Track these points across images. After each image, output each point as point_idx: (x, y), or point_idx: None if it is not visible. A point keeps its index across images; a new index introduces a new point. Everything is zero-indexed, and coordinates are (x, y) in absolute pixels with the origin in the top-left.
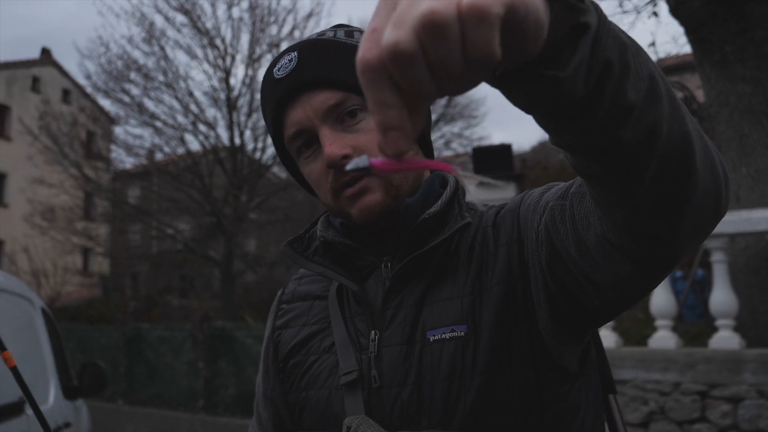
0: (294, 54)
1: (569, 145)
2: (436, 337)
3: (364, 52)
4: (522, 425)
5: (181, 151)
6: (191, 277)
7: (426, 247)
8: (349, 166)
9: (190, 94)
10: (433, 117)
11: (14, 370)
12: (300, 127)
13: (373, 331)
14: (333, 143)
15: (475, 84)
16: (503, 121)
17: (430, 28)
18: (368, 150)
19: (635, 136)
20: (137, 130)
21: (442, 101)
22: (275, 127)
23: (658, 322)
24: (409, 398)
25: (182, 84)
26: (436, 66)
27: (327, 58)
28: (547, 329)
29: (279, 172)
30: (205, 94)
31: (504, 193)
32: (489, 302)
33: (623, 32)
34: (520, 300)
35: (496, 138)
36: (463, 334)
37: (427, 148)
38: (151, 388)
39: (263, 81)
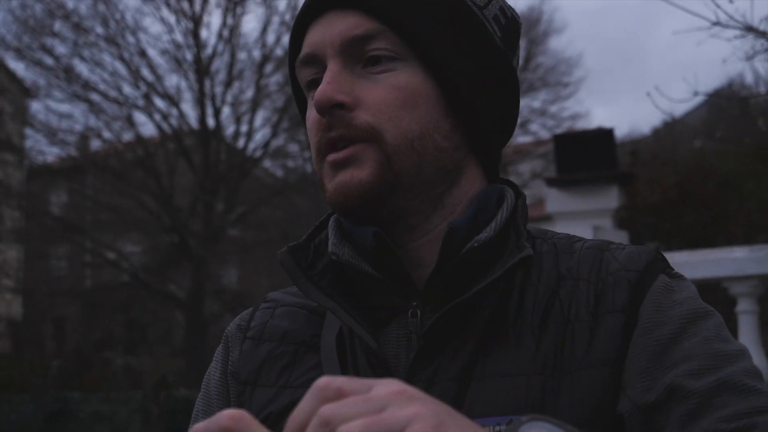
0: None
1: None
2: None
3: None
4: None
5: (128, 137)
6: (143, 325)
7: (469, 292)
8: None
9: (142, 53)
10: None
11: None
12: (311, 51)
13: None
14: (332, 81)
15: None
16: (608, 92)
17: None
18: (376, 109)
19: None
20: (64, 107)
21: (519, 62)
22: (294, 50)
23: None
24: None
25: (131, 39)
26: None
27: None
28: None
29: (273, 167)
30: (165, 53)
31: (600, 201)
32: (572, 390)
33: None
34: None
35: (598, 116)
36: None
37: (490, 163)
38: None
39: None
